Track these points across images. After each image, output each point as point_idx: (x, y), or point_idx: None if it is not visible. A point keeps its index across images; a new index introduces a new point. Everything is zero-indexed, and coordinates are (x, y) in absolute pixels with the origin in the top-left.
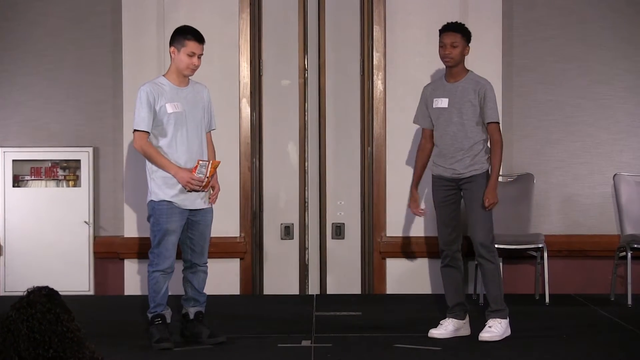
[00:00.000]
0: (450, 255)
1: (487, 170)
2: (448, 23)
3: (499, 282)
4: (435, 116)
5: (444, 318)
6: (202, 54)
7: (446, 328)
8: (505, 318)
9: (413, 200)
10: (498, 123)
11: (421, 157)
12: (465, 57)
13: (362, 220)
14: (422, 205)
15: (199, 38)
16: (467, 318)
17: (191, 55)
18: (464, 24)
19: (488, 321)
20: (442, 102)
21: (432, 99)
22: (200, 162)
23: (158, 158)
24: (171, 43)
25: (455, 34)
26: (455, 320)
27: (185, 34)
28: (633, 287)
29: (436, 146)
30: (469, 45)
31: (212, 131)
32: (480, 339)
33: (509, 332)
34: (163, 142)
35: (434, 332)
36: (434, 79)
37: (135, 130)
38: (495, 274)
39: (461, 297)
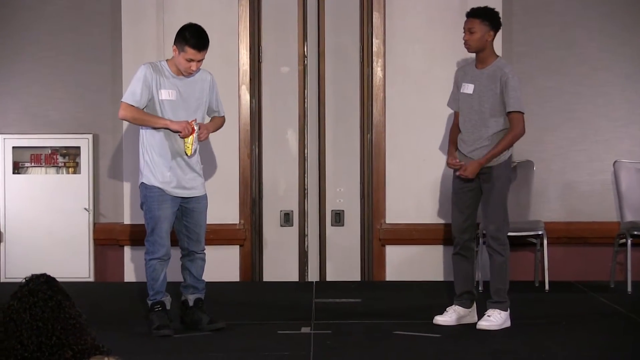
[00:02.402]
0: (462, 243)
1: (506, 161)
2: (471, 8)
3: (506, 276)
4: (461, 101)
5: (450, 305)
6: (202, 59)
7: (451, 316)
8: (506, 310)
9: (451, 155)
10: (521, 113)
11: (453, 133)
12: (489, 42)
13: (362, 207)
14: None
15: (199, 46)
16: (474, 306)
17: (189, 60)
18: (488, 8)
19: (488, 310)
20: (468, 88)
21: (462, 83)
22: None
23: (146, 116)
24: (175, 41)
25: (474, 19)
26: (461, 308)
27: (188, 40)
28: (633, 274)
29: (460, 132)
30: (494, 30)
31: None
32: (478, 327)
33: (508, 324)
34: (155, 128)
35: (439, 319)
36: (464, 63)
37: (122, 102)
38: (503, 267)
39: (470, 286)
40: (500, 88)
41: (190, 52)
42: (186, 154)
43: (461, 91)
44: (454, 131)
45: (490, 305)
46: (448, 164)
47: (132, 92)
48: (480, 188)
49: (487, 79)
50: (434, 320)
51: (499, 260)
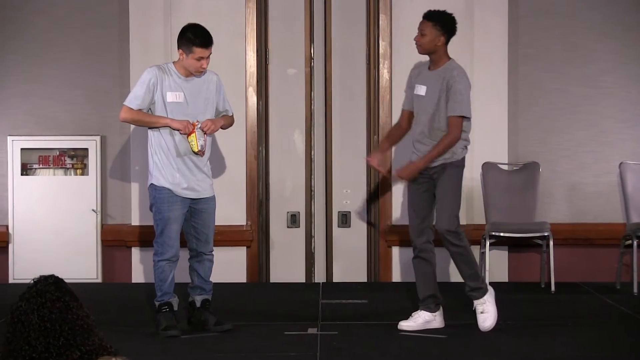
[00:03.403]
0: (419, 246)
1: (459, 160)
2: (427, 11)
3: (471, 261)
4: (415, 103)
5: (416, 308)
6: (210, 54)
7: (416, 320)
8: (485, 294)
9: (373, 155)
10: (460, 117)
11: (393, 132)
12: (439, 46)
13: (368, 208)
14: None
15: (205, 43)
16: (440, 310)
17: (199, 59)
18: (442, 13)
19: (476, 307)
20: (421, 90)
21: (415, 84)
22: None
23: (146, 117)
24: (179, 45)
25: (426, 22)
26: (426, 312)
27: (193, 41)
28: (638, 275)
29: (413, 132)
30: (445, 35)
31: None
32: (482, 329)
33: (494, 308)
34: (163, 130)
35: (403, 325)
36: (420, 64)
37: (124, 105)
38: (463, 254)
39: (433, 289)
40: (446, 90)
41: (199, 51)
42: (194, 152)
43: (414, 92)
44: (392, 132)
45: (472, 296)
46: (367, 159)
47: (135, 96)
48: (434, 188)
49: (436, 81)
50: (398, 325)
51: (458, 251)
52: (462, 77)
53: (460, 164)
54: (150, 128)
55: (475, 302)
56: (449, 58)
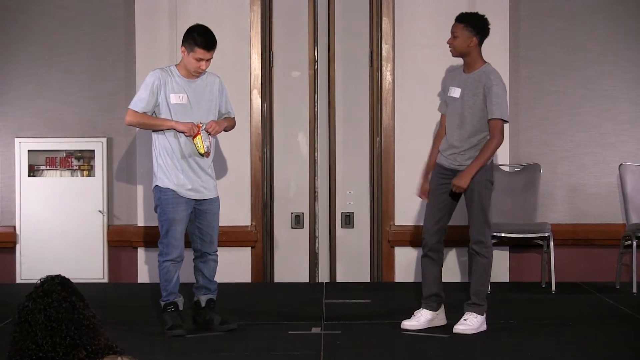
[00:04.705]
0: (430, 245)
1: (486, 166)
2: (460, 13)
3: (487, 278)
4: (449, 104)
5: (418, 307)
6: (211, 58)
7: (419, 319)
8: (482, 314)
9: (422, 189)
10: (502, 120)
11: (436, 144)
12: (472, 48)
13: (371, 209)
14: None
15: (208, 46)
16: (442, 308)
17: (199, 60)
18: (474, 15)
19: (465, 314)
20: (455, 92)
21: (449, 87)
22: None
23: (151, 120)
24: (183, 42)
25: (457, 24)
26: (429, 311)
27: (196, 41)
28: (638, 275)
29: (445, 134)
30: (478, 36)
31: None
32: (454, 330)
33: (484, 328)
34: (168, 132)
35: (407, 324)
36: (453, 68)
37: (129, 109)
38: (485, 269)
39: (438, 288)
40: (484, 94)
41: (200, 52)
42: (200, 154)
43: (448, 94)
44: (437, 144)
45: (468, 308)
46: (419, 195)
47: (139, 99)
48: (458, 193)
49: (473, 84)
50: (401, 324)
51: (482, 262)
52: (499, 81)
53: (487, 169)
54: (154, 131)
55: (468, 313)
56: (484, 61)
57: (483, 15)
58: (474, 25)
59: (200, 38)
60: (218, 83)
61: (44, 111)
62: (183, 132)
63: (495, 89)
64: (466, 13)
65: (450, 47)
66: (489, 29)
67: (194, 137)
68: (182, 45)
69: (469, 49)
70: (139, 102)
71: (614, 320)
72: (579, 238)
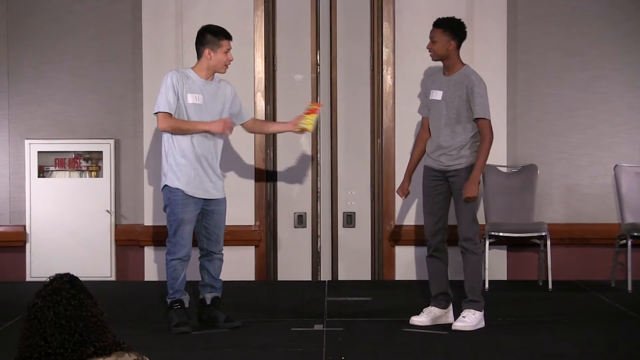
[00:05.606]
0: (434, 245)
1: (472, 165)
2: (437, 18)
3: (479, 275)
4: (431, 108)
5: (419, 305)
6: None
7: (427, 316)
8: (480, 310)
9: (402, 187)
10: (487, 119)
11: (418, 145)
12: (451, 51)
13: (372, 209)
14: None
15: (229, 35)
16: (450, 307)
17: (227, 51)
18: (451, 19)
19: (463, 311)
20: (437, 95)
21: (430, 90)
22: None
23: (186, 123)
24: (204, 45)
25: (436, 29)
26: (437, 309)
27: (218, 35)
28: (633, 274)
29: (430, 137)
30: (456, 40)
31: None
32: (453, 327)
33: (482, 324)
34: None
35: (415, 320)
36: (433, 72)
37: (158, 113)
38: (476, 266)
39: (444, 287)
40: (467, 95)
41: (225, 43)
42: (307, 131)
43: (430, 98)
44: (418, 146)
45: (465, 305)
46: (398, 192)
47: (166, 101)
48: (450, 191)
49: (454, 86)
50: (410, 320)
51: (473, 259)
52: (480, 81)
53: (472, 169)
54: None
55: (466, 310)
56: (463, 64)
57: (459, 20)
58: (451, 29)
59: (219, 30)
60: (231, 89)
61: (53, 114)
62: (218, 132)
63: (477, 89)
64: (443, 18)
65: (430, 51)
66: (465, 32)
67: (311, 113)
68: (204, 47)
69: (448, 52)
70: (166, 104)
71: (609, 317)
72: (575, 237)
